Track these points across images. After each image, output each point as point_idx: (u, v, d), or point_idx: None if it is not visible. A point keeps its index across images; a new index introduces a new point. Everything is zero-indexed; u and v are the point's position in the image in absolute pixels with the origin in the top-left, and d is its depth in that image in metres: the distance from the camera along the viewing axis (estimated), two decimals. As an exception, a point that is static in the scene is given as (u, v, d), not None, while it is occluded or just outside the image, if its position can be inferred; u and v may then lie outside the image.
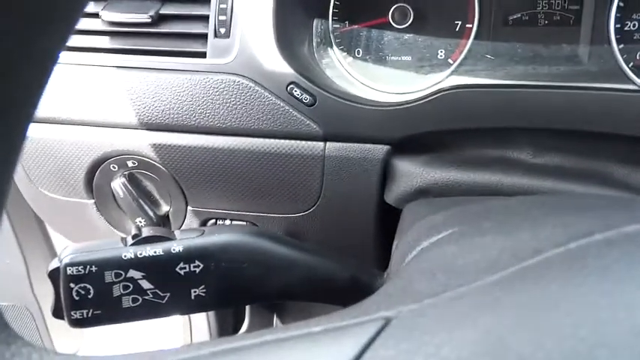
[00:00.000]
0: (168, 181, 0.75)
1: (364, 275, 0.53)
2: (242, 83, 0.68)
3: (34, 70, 0.25)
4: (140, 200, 0.76)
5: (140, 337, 1.20)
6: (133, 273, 0.45)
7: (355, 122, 0.67)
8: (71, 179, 0.78)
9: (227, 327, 1.03)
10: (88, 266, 0.44)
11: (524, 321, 0.24)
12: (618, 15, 0.67)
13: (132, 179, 0.76)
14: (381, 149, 0.68)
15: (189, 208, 0.77)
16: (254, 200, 0.74)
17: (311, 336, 0.27)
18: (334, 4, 0.74)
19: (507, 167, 0.66)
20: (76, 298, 0.44)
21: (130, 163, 0.75)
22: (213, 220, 0.79)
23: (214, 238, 0.47)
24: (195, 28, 0.71)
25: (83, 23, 0.73)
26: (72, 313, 0.45)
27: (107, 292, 0.45)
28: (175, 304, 0.47)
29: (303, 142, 0.69)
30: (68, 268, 0.44)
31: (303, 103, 0.67)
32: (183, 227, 0.79)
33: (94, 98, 0.73)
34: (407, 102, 0.67)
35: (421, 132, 0.67)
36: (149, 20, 0.70)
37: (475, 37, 0.71)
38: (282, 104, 0.68)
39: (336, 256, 0.53)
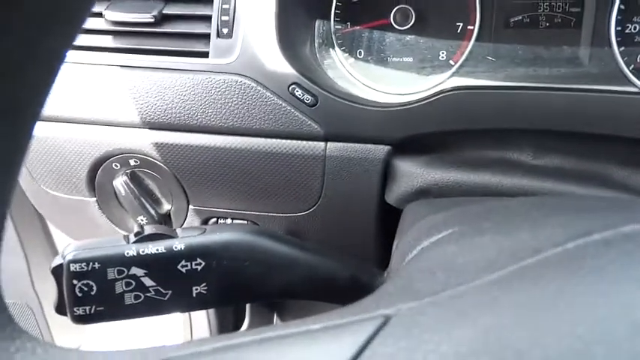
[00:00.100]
0: (170, 180, 0.76)
1: (364, 275, 0.53)
2: (244, 83, 0.68)
3: (40, 70, 0.26)
4: (142, 199, 0.76)
5: (141, 334, 1.20)
6: (136, 270, 0.45)
7: (356, 123, 0.68)
8: (73, 177, 0.78)
9: (227, 325, 1.03)
10: (91, 263, 0.44)
11: (522, 319, 0.24)
12: (619, 17, 0.67)
13: (134, 178, 0.76)
14: (382, 149, 0.68)
15: (190, 206, 0.77)
16: (255, 199, 0.74)
17: (310, 333, 0.27)
18: (336, 5, 0.74)
19: (508, 168, 0.67)
20: (79, 295, 0.45)
21: (132, 162, 0.75)
22: (214, 219, 0.79)
23: (216, 236, 0.48)
24: (198, 28, 0.71)
25: (86, 22, 0.73)
26: (74, 309, 0.45)
27: (109, 288, 0.45)
28: (177, 301, 0.47)
29: (305, 142, 0.69)
30: (71, 265, 0.44)
31: (305, 103, 0.67)
32: (184, 226, 0.80)
33: (97, 97, 0.73)
34: (408, 103, 0.67)
35: (422, 133, 0.67)
36: (152, 20, 0.71)
37: (476, 39, 0.71)
38: (283, 104, 0.68)
39: (337, 256, 0.53)
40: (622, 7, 0.67)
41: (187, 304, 0.48)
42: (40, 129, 0.75)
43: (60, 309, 0.46)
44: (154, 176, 0.76)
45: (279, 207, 0.74)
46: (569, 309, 0.24)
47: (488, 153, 0.70)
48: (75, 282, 0.44)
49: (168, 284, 0.47)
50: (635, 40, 0.68)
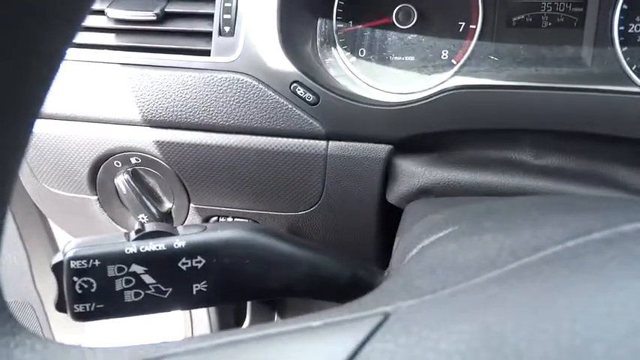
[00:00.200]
0: (171, 178, 0.76)
1: (365, 273, 0.53)
2: (246, 81, 0.68)
3: (41, 67, 0.26)
4: (143, 197, 0.76)
5: (141, 332, 1.21)
6: (136, 267, 0.45)
7: (358, 121, 0.68)
8: (75, 175, 0.78)
9: (228, 323, 1.03)
10: (92, 260, 0.44)
11: (521, 316, 0.24)
12: (622, 17, 0.67)
13: (135, 176, 0.76)
14: (384, 149, 0.68)
15: (191, 205, 0.78)
16: (256, 198, 0.74)
17: (310, 330, 0.27)
18: (338, 3, 0.74)
19: (509, 168, 0.67)
20: (79, 292, 0.45)
21: (133, 160, 0.76)
22: (215, 218, 0.79)
23: (217, 234, 0.48)
24: (200, 26, 0.71)
25: (88, 20, 0.74)
26: (75, 306, 0.45)
27: (110, 286, 0.45)
28: (177, 299, 0.47)
29: (306, 141, 0.69)
30: (72, 262, 0.44)
31: (306, 101, 0.67)
32: (185, 224, 0.80)
33: (99, 95, 0.73)
34: (410, 102, 0.67)
35: (423, 132, 0.67)
36: (154, 18, 0.71)
37: (479, 38, 0.71)
38: (285, 103, 0.68)
39: (338, 254, 0.53)
40: (625, 6, 0.67)
41: (188, 301, 0.48)
42: (41, 126, 0.76)
43: (60, 306, 0.46)
44: (156, 174, 0.76)
45: (280, 205, 0.74)
46: (569, 307, 0.24)
47: (490, 153, 0.70)
48: (75, 279, 0.44)
49: (168, 282, 0.47)
50: (638, 40, 0.68)
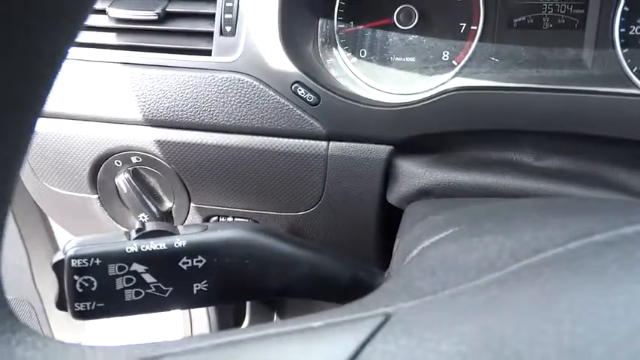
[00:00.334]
0: (172, 178, 0.76)
1: (365, 274, 0.53)
2: (247, 81, 0.68)
3: (43, 66, 0.26)
4: (143, 196, 0.76)
5: (139, 331, 1.21)
6: (137, 266, 0.45)
7: (359, 122, 0.68)
8: (75, 174, 0.78)
9: (227, 322, 1.03)
10: (92, 259, 0.44)
11: (522, 318, 0.24)
12: (623, 19, 0.67)
13: (136, 175, 0.76)
14: (384, 149, 0.68)
15: (192, 204, 0.78)
16: (257, 198, 0.74)
17: (311, 330, 0.27)
18: (339, 4, 0.74)
19: (510, 169, 0.67)
20: (80, 291, 0.45)
21: (134, 159, 0.76)
22: (215, 217, 0.79)
23: (218, 233, 0.48)
24: (201, 26, 0.71)
25: (90, 19, 0.74)
26: (75, 305, 0.45)
27: (110, 284, 0.45)
28: (177, 298, 0.47)
29: (307, 141, 0.69)
30: (72, 261, 0.44)
31: (307, 102, 0.67)
32: (185, 223, 0.80)
33: (100, 94, 0.73)
34: (410, 103, 0.67)
35: (424, 133, 0.67)
36: (155, 17, 0.71)
37: (480, 40, 0.71)
38: (286, 103, 0.68)
39: (338, 255, 0.53)
40: (626, 8, 0.67)
41: (188, 301, 0.48)
42: (42, 125, 0.76)
43: (61, 304, 0.46)
44: (156, 174, 0.77)
45: (280, 206, 0.74)
46: (570, 309, 0.24)
47: (490, 154, 0.70)
48: (76, 278, 0.44)
49: (169, 281, 0.47)
50: (639, 42, 0.68)
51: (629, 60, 0.68)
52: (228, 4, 0.69)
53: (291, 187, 0.72)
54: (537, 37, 0.70)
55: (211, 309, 1.01)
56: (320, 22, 0.75)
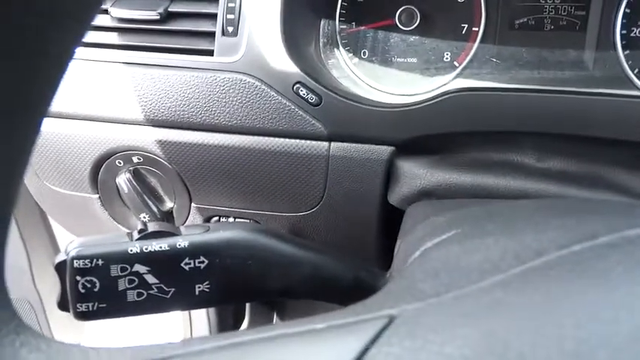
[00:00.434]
0: (173, 178, 0.76)
1: (367, 275, 0.53)
2: (248, 82, 0.68)
3: (49, 66, 0.26)
4: (144, 196, 0.76)
5: (140, 332, 1.21)
6: (139, 267, 0.45)
7: (360, 123, 0.68)
8: (76, 174, 0.78)
9: (227, 323, 1.03)
10: (95, 260, 0.44)
11: (526, 321, 0.24)
12: (624, 21, 0.67)
13: (137, 175, 0.76)
14: (386, 150, 0.68)
15: (193, 204, 0.78)
16: (258, 198, 0.74)
17: (314, 332, 0.27)
18: (341, 4, 0.74)
19: (511, 171, 0.67)
20: (82, 291, 0.45)
21: (135, 159, 0.76)
22: (216, 218, 0.79)
23: (220, 234, 0.48)
24: (204, 26, 0.71)
25: (92, 19, 0.74)
26: (77, 305, 0.45)
27: (112, 285, 0.45)
28: (180, 299, 0.47)
29: (308, 142, 0.69)
30: (75, 261, 0.44)
31: (309, 102, 0.67)
32: (186, 224, 0.80)
33: (101, 94, 0.73)
34: (412, 104, 0.67)
35: (426, 134, 0.67)
36: (157, 17, 0.71)
37: (481, 41, 0.71)
38: (287, 103, 0.68)
39: (339, 256, 0.53)
40: (627, 10, 0.67)
41: (190, 302, 0.48)
42: (44, 125, 0.75)
43: (63, 305, 0.47)
44: (157, 174, 0.77)
45: (281, 206, 0.74)
46: (573, 312, 0.24)
47: (492, 155, 0.70)
48: (78, 278, 0.44)
49: (171, 282, 0.47)
50: (640, 43, 0.68)
51: (630, 62, 0.68)
52: (230, 5, 0.69)
53: (293, 187, 0.72)
54: (539, 39, 0.70)
55: (211, 310, 1.01)
56: (322, 22, 0.75)
